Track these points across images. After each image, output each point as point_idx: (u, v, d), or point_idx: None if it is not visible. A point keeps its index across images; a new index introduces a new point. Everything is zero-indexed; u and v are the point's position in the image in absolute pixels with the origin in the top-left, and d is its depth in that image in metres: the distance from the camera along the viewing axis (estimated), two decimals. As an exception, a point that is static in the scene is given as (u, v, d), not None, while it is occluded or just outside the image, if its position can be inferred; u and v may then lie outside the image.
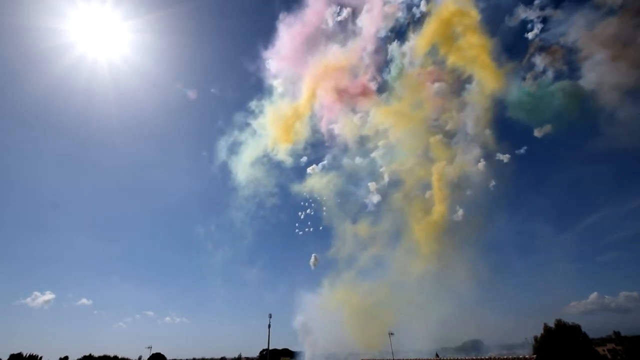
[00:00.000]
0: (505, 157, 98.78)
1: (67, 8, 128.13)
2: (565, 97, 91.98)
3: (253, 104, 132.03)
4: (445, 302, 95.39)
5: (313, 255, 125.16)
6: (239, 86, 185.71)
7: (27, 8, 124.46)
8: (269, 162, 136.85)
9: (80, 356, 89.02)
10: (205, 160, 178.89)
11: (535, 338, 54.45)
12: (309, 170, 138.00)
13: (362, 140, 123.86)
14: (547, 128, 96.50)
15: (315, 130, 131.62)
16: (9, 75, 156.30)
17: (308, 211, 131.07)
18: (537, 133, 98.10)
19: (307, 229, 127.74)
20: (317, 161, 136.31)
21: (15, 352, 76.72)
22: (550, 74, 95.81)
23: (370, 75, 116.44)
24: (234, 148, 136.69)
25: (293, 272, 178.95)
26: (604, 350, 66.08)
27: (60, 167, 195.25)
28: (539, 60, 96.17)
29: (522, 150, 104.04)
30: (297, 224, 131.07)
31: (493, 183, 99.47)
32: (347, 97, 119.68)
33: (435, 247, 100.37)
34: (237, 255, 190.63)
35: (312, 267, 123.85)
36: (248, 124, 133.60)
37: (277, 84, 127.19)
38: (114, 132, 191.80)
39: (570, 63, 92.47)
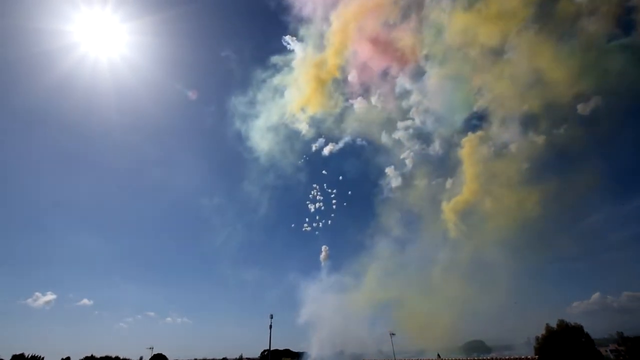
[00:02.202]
0: (540, 139, 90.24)
1: (71, 11, 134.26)
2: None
3: (274, 59, 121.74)
4: (471, 295, 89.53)
5: (323, 247, 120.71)
6: (256, 39, 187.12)
7: (35, 11, 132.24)
8: (286, 129, 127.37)
9: (82, 357, 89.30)
10: (211, 117, 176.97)
11: (537, 338, 54.19)
12: (325, 150, 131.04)
13: (389, 114, 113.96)
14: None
15: (344, 97, 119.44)
16: (17, 74, 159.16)
17: (318, 205, 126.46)
18: (581, 109, 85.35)
19: (315, 224, 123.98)
20: (338, 136, 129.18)
21: (18, 353, 76.96)
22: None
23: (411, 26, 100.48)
24: (249, 113, 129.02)
25: (299, 268, 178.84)
26: (606, 351, 65.78)
27: (61, 166, 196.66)
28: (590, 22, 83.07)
29: (561, 130, 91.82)
30: (306, 219, 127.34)
31: (526, 166, 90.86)
32: (383, 55, 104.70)
33: (463, 230, 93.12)
34: (239, 250, 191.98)
35: (323, 262, 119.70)
36: (264, 81, 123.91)
37: (301, 33, 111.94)
38: (114, 129, 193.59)
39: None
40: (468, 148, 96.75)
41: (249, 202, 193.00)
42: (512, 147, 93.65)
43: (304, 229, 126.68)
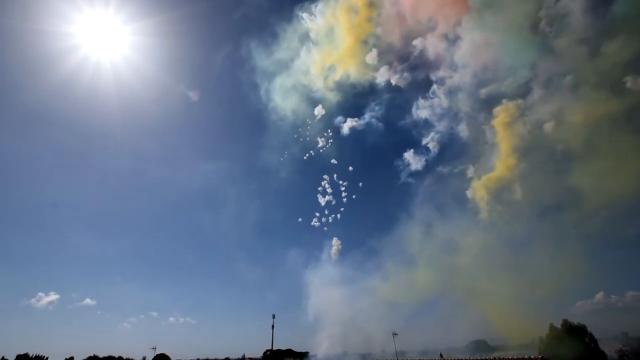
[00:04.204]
0: (577, 118, 78.47)
1: (73, 12, 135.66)
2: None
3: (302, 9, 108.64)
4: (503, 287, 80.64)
5: (334, 239, 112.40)
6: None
7: (36, 13, 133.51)
8: (305, 92, 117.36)
9: (85, 357, 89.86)
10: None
11: (541, 338, 53.99)
12: (345, 127, 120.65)
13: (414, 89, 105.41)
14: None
15: (376, 65, 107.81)
16: (19, 75, 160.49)
17: (328, 198, 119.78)
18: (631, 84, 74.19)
19: (324, 219, 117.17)
20: (359, 111, 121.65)
21: (22, 353, 77.42)
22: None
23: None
24: (266, 74, 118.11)
25: (306, 265, 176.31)
26: (610, 351, 65.34)
27: (63, 165, 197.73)
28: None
29: (599, 108, 77.61)
30: (316, 213, 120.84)
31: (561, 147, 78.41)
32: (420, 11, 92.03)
33: (497, 211, 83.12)
34: (243, 249, 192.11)
35: (334, 258, 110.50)
36: (284, 31, 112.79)
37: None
38: (116, 129, 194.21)
39: None
40: (503, 117, 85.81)
41: (253, 196, 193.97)
42: (549, 125, 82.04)
43: (312, 224, 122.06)
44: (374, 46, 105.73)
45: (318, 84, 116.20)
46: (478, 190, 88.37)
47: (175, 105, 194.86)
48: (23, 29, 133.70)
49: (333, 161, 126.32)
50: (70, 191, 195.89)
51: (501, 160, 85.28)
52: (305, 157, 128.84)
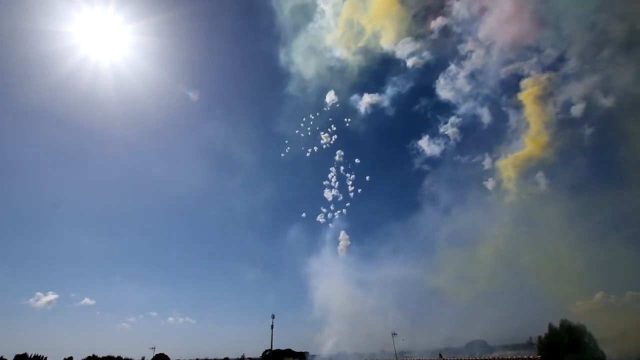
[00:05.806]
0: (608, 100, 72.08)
1: (72, 12, 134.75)
2: None
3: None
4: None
5: (342, 233, 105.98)
6: None
7: (34, 12, 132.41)
8: (325, 57, 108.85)
9: (84, 357, 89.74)
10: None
11: (540, 338, 53.98)
12: (361, 104, 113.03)
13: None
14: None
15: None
16: (17, 76, 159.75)
17: (334, 192, 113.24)
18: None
19: (330, 214, 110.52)
20: (382, 85, 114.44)
21: (20, 353, 77.35)
22: None
23: None
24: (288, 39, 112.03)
25: (309, 261, 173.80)
26: (609, 351, 65.27)
27: (62, 165, 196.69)
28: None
29: None
30: (323, 209, 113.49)
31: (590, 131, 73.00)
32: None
33: (526, 195, 76.67)
34: (243, 248, 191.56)
35: (341, 254, 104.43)
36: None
37: None
38: (115, 128, 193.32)
39: None
40: (533, 90, 79.84)
41: (254, 193, 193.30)
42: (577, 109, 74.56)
43: (317, 219, 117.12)
44: (409, 6, 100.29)
45: (340, 49, 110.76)
46: (505, 170, 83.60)
47: (178, 105, 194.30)
48: (21, 29, 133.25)
49: (340, 152, 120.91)
50: (69, 191, 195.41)
51: (531, 137, 79.69)
52: (308, 154, 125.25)
